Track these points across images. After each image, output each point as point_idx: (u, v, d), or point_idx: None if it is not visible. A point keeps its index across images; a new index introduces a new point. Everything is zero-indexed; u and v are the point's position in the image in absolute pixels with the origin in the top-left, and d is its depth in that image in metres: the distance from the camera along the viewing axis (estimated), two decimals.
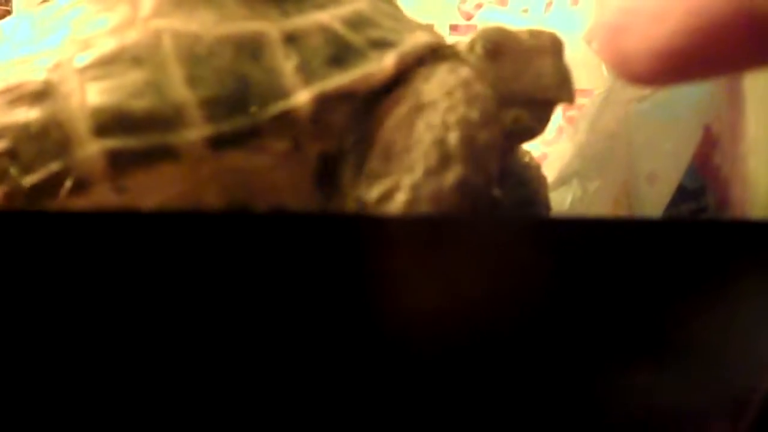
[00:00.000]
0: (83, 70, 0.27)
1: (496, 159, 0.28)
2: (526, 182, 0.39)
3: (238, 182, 0.27)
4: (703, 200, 0.55)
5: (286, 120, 0.26)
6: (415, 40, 0.30)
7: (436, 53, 0.31)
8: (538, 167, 0.41)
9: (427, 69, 0.29)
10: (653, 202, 0.54)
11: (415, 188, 0.26)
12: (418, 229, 0.22)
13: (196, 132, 0.26)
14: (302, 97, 0.27)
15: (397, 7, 0.34)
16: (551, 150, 0.52)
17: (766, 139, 0.41)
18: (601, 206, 0.51)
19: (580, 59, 0.53)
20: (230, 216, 0.23)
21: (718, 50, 0.11)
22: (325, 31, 0.28)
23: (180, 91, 0.26)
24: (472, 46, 0.32)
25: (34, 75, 0.27)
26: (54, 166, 0.26)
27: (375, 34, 0.29)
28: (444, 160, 0.26)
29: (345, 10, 0.30)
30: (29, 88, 0.27)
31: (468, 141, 0.27)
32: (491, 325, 0.22)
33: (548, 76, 0.32)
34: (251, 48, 0.27)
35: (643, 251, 0.23)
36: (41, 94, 0.27)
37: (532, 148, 0.42)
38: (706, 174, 0.53)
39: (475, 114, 0.27)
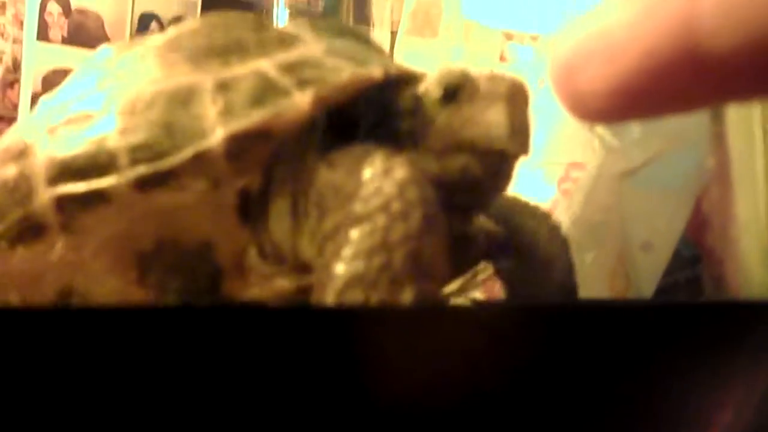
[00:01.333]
0: (51, 130, 0.30)
1: (445, 254, 0.26)
2: (543, 244, 0.37)
3: (166, 220, 0.29)
4: (698, 268, 0.56)
5: (203, 160, 0.28)
6: (342, 76, 0.29)
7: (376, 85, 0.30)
8: (558, 227, 0.39)
9: (362, 153, 0.28)
10: (649, 271, 0.55)
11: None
12: (405, 322, 0.22)
13: (123, 176, 0.28)
14: (216, 137, 0.28)
15: (369, 46, 0.34)
16: None
17: (756, 222, 0.42)
18: (598, 277, 0.52)
19: (573, 134, 0.55)
20: (168, 311, 0.23)
21: (667, 90, 0.12)
22: (258, 75, 0.29)
23: (115, 141, 0.28)
24: (428, 90, 0.30)
25: (20, 137, 0.31)
26: (16, 214, 0.29)
27: (310, 74, 0.29)
28: (395, 283, 0.25)
29: (292, 54, 0.30)
30: (14, 149, 0.31)
31: (415, 256, 0.25)
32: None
33: (500, 126, 0.29)
34: (183, 98, 0.29)
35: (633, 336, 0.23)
36: (21, 154, 0.30)
37: None
38: (699, 245, 0.53)
39: (415, 224, 0.25)
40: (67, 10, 1.05)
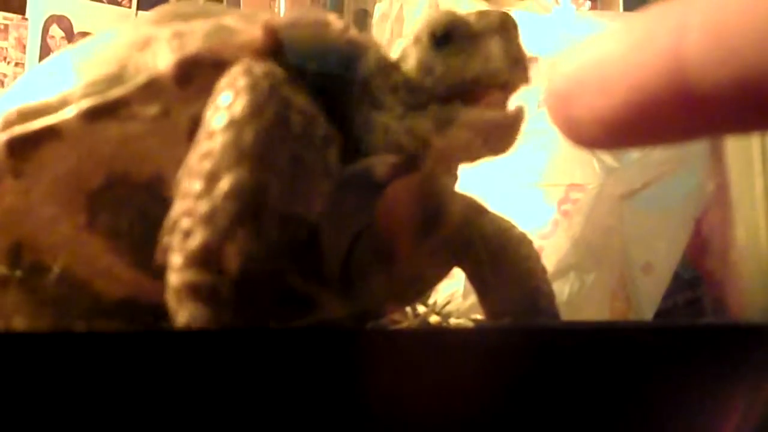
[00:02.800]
0: (14, 87, 0.31)
1: (290, 158, 0.25)
2: (526, 276, 0.36)
3: (116, 154, 0.28)
4: (699, 290, 0.56)
5: (153, 86, 0.28)
6: (286, 16, 0.30)
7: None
8: (537, 258, 0.38)
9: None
10: (650, 293, 0.55)
11: (189, 214, 0.24)
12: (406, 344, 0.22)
13: (74, 109, 0.28)
14: (165, 63, 0.28)
15: None
16: (547, 243, 0.53)
17: (755, 244, 0.42)
18: (598, 298, 0.52)
19: (573, 155, 0.55)
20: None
21: (656, 123, 0.12)
22: (216, 23, 0.29)
23: (70, 82, 0.29)
24: (418, 37, 0.29)
25: None
26: None
27: (262, 17, 0.29)
28: (211, 174, 0.24)
29: (252, 16, 0.30)
30: None
31: (233, 144, 0.24)
32: None
33: (497, 59, 0.28)
34: (140, 43, 0.29)
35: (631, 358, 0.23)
36: None
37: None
38: (699, 267, 0.53)
39: (238, 108, 0.24)
40: (69, 34, 1.06)
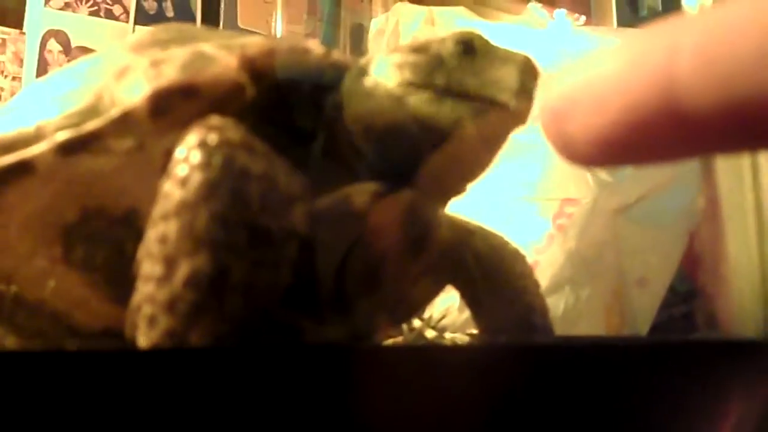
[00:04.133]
0: None
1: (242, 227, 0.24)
2: (521, 293, 0.36)
3: (91, 188, 0.28)
4: (694, 303, 0.56)
5: (127, 119, 0.27)
6: (262, 43, 0.29)
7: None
8: (531, 274, 0.38)
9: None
10: (645, 307, 0.55)
11: (151, 301, 0.23)
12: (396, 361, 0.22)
13: (47, 143, 0.27)
14: (140, 95, 0.27)
15: None
16: (542, 258, 0.53)
17: (747, 259, 0.42)
18: (593, 312, 0.52)
19: (567, 169, 0.55)
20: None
21: (649, 142, 0.13)
22: (193, 51, 0.29)
23: (46, 112, 0.28)
24: (444, 41, 0.30)
25: None
26: None
27: (242, 43, 0.29)
28: (169, 259, 0.23)
29: (232, 41, 0.30)
30: None
31: (188, 228, 0.23)
32: None
33: (510, 82, 0.28)
34: (117, 72, 0.29)
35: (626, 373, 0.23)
36: None
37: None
38: (693, 281, 0.53)
39: (192, 189, 0.23)
40: (67, 48, 1.06)
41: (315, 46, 0.30)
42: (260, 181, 0.24)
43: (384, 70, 0.29)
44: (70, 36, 1.07)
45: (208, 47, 0.29)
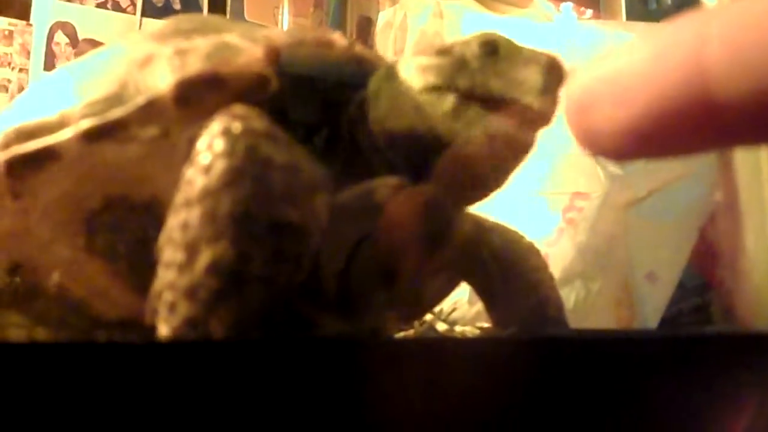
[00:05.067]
0: (14, 104, 0.31)
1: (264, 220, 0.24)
2: (536, 287, 0.36)
3: (115, 176, 0.28)
4: (706, 297, 0.56)
5: (152, 108, 0.27)
6: (287, 35, 0.29)
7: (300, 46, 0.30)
8: (546, 267, 0.38)
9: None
10: (655, 301, 0.55)
11: (172, 287, 0.23)
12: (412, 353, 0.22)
13: (72, 130, 0.27)
14: (165, 84, 0.27)
15: None
16: (552, 251, 0.53)
17: (765, 252, 0.42)
18: (603, 306, 0.52)
19: (578, 163, 0.55)
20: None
21: (675, 134, 0.12)
22: (218, 41, 0.29)
23: (70, 100, 0.28)
24: (468, 43, 0.30)
25: None
26: None
27: (265, 34, 0.29)
28: (191, 246, 0.23)
29: (255, 32, 0.30)
30: None
31: (210, 215, 0.23)
32: None
33: (534, 83, 0.28)
34: (141, 61, 0.29)
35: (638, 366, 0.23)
36: None
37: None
38: (707, 275, 0.53)
39: (215, 176, 0.23)
40: (74, 41, 1.07)
41: (339, 39, 0.30)
42: (283, 171, 0.24)
43: (409, 73, 0.29)
44: (78, 28, 1.07)
45: (232, 38, 0.29)
